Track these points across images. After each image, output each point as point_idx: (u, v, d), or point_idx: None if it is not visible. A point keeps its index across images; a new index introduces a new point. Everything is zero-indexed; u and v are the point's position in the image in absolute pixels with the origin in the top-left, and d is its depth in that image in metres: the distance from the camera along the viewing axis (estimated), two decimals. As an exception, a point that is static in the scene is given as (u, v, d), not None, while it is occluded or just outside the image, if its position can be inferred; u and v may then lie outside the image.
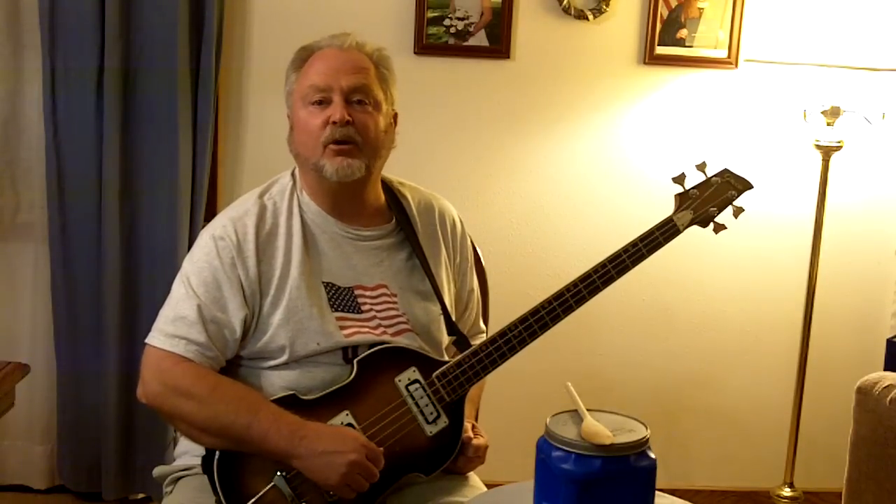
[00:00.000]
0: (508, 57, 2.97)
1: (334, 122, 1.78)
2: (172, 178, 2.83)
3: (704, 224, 1.85)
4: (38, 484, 3.05)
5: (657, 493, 1.44)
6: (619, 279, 1.81)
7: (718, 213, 1.85)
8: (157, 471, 1.91)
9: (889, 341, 3.00)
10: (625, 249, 1.80)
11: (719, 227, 1.86)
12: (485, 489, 1.86)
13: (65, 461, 3.00)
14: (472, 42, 2.93)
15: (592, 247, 2.94)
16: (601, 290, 1.81)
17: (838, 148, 2.90)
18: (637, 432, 1.42)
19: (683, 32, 2.97)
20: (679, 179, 1.85)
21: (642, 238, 1.81)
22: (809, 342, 3.02)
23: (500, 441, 2.73)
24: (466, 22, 2.92)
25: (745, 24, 2.96)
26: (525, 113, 3.01)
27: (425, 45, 2.93)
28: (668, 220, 1.83)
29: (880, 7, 2.74)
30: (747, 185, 1.87)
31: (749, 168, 2.98)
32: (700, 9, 2.95)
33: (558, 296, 1.79)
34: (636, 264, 1.81)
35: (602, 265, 1.80)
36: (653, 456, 1.40)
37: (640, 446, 1.40)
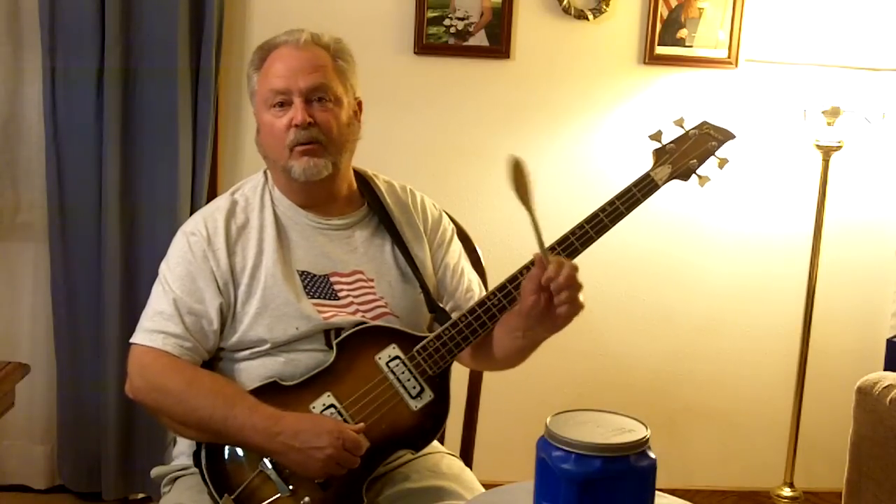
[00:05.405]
0: (508, 57, 2.97)
1: (296, 125, 1.79)
2: (172, 178, 2.84)
3: (685, 177, 1.80)
4: (38, 484, 3.05)
5: (657, 493, 1.44)
6: (597, 239, 1.76)
7: (699, 165, 1.79)
8: (155, 471, 1.92)
9: (889, 341, 3.00)
10: (602, 209, 1.77)
11: (703, 180, 1.80)
12: (483, 490, 1.86)
13: (65, 461, 3.00)
14: (472, 42, 2.93)
15: (593, 245, 2.93)
16: (580, 253, 1.76)
17: (838, 148, 2.90)
18: (637, 432, 1.41)
19: (683, 32, 2.96)
20: (656, 136, 1.81)
21: (619, 196, 1.77)
22: (809, 342, 3.01)
23: (500, 441, 2.74)
24: (466, 22, 2.92)
25: (745, 24, 2.95)
26: (525, 113, 3.01)
27: (425, 45, 2.93)
28: (646, 176, 1.79)
29: (880, 7, 2.74)
30: (728, 135, 1.81)
31: (749, 168, 3.05)
32: (700, 9, 2.95)
33: None
34: (615, 223, 1.77)
35: (580, 226, 1.76)
36: (653, 456, 1.40)
37: (640, 446, 1.39)
